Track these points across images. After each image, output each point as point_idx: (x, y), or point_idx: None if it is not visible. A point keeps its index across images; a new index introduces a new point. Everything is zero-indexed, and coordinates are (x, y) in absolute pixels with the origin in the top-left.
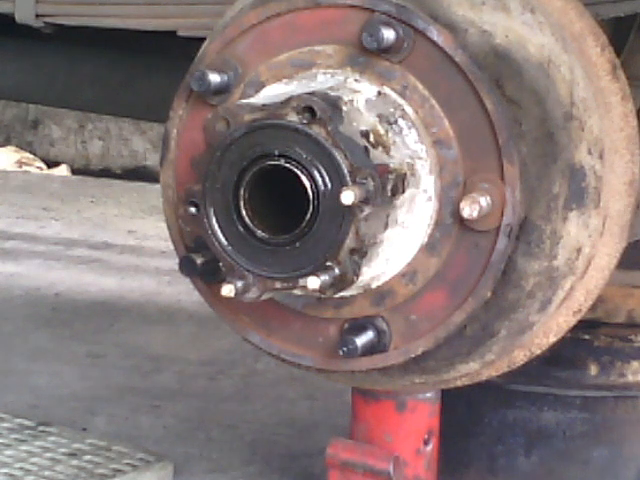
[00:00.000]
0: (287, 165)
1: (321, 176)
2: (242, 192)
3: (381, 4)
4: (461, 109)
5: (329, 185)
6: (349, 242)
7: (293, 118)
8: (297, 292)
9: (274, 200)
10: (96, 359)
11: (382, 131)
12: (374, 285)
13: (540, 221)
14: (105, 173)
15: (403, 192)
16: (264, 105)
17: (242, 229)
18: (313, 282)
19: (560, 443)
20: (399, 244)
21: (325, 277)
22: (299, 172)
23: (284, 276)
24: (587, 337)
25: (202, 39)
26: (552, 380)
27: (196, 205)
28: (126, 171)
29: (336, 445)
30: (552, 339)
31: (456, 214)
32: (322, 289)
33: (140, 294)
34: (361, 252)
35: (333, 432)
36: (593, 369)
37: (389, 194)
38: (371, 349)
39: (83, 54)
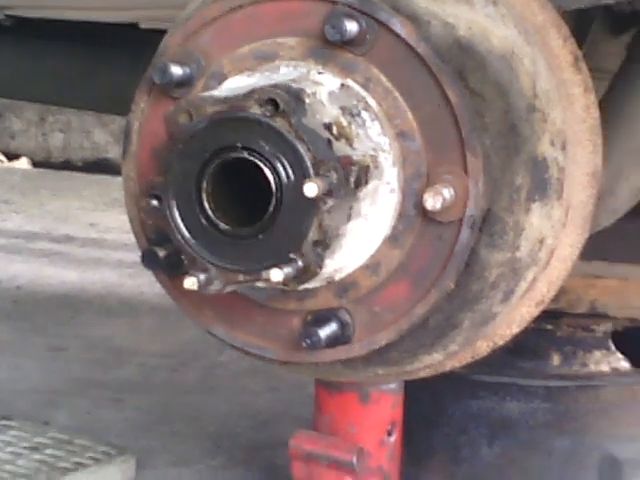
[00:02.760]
0: (250, 157)
1: (284, 168)
2: (205, 185)
3: None
4: (424, 101)
5: (292, 177)
6: (312, 234)
7: (256, 110)
8: (260, 285)
9: (237, 193)
10: (57, 352)
11: (345, 123)
12: (337, 277)
13: (503, 213)
14: (66, 166)
15: (366, 184)
16: (226, 97)
17: (205, 222)
18: (276, 275)
19: (523, 433)
20: (362, 236)
21: (288, 269)
22: (262, 164)
23: (247, 269)
24: (550, 327)
25: (164, 31)
26: (515, 370)
27: (158, 198)
28: (88, 164)
29: (300, 437)
30: (515, 330)
31: (419, 206)
32: (285, 281)
33: (102, 287)
34: (324, 244)
35: (296, 424)
36: (556, 359)
37: (352, 186)
38: (334, 341)
39: (44, 46)
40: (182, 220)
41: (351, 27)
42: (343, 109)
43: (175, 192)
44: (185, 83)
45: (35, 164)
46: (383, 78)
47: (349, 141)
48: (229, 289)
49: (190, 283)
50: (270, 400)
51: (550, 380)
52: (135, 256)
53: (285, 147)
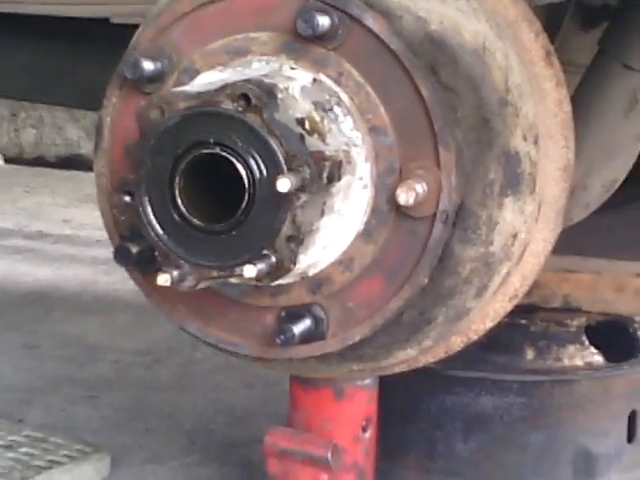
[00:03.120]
0: (222, 153)
1: (257, 164)
2: (177, 180)
3: None
4: (397, 96)
5: (265, 173)
6: (285, 230)
7: (228, 106)
8: (234, 281)
9: (210, 188)
10: (31, 350)
11: (317, 118)
12: (311, 273)
13: (476, 207)
14: (39, 162)
15: (339, 179)
16: (198, 93)
17: (178, 218)
18: (249, 271)
19: (498, 428)
20: (336, 231)
21: (262, 265)
22: (234, 160)
23: (220, 265)
24: (523, 322)
25: (136, 26)
26: (489, 365)
27: (130, 194)
28: (60, 160)
29: (275, 433)
30: (489, 324)
31: (392, 201)
32: (259, 277)
33: (76, 283)
34: (298, 240)
35: (271, 420)
36: (530, 354)
37: (325, 181)
38: (308, 337)
39: (15, 41)
40: (155, 216)
41: (323, 22)
42: (315, 104)
43: (147, 188)
44: (157, 78)
45: (7, 160)
46: (355, 73)
47: (322, 136)
48: (202, 285)
49: (163, 280)
50: (245, 397)
51: (524, 375)
52: (109, 252)
53: (257, 142)
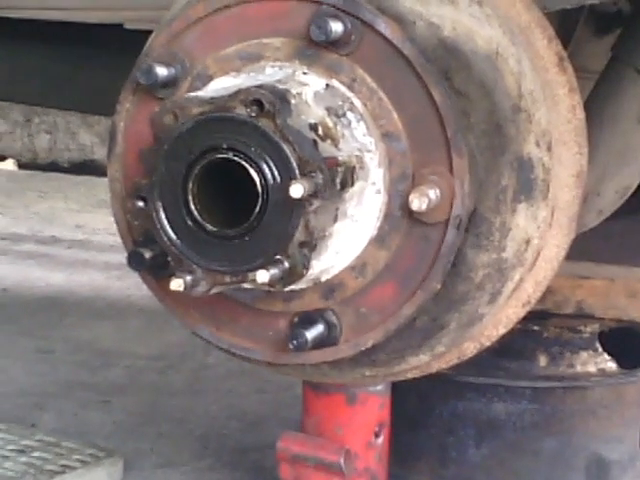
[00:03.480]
0: (235, 158)
1: (270, 169)
2: (191, 185)
3: None
4: (409, 102)
5: (278, 178)
6: (298, 235)
7: (241, 111)
8: (246, 286)
9: (223, 194)
10: (44, 354)
11: (330, 124)
12: (324, 278)
13: (489, 213)
14: (53, 167)
15: (352, 185)
16: (212, 98)
17: (191, 223)
18: (262, 276)
19: (510, 434)
20: (349, 237)
21: (274, 271)
22: (248, 165)
23: (233, 270)
24: (536, 328)
25: (149, 32)
26: (502, 371)
27: (144, 199)
28: (74, 165)
29: (287, 439)
30: (502, 331)
31: (405, 207)
32: (271, 283)
33: (89, 289)
34: (310, 245)
35: (284, 425)
36: (542, 360)
37: (338, 187)
38: (321, 342)
39: (29, 47)
40: (168, 221)
41: (336, 27)
42: (328, 110)
43: (161, 193)
44: (170, 84)
45: (21, 165)
46: (368, 78)
47: (335, 142)
48: (215, 290)
49: (176, 285)
50: (258, 402)
51: (537, 381)
52: (122, 258)
53: (271, 148)
